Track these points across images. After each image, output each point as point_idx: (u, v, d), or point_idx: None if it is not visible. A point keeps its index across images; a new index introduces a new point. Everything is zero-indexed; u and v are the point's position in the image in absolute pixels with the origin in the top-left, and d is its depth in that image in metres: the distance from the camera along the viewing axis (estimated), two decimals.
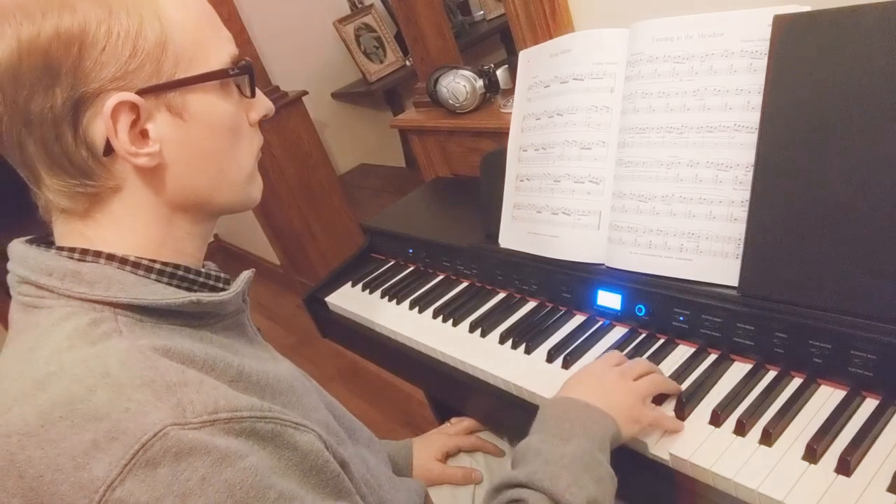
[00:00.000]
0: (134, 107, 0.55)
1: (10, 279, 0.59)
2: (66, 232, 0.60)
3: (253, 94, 0.64)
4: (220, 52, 0.60)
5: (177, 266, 0.61)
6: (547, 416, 0.73)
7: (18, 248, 0.59)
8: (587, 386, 0.76)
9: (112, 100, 0.53)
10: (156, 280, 0.60)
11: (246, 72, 0.62)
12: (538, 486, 0.64)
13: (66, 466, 0.47)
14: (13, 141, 0.55)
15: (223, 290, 0.65)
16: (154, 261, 0.60)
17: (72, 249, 0.58)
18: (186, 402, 0.49)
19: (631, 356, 0.87)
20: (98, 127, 0.54)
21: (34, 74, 0.52)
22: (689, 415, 0.77)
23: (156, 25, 0.55)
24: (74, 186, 0.56)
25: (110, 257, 0.58)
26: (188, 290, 0.62)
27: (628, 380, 0.76)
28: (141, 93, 0.55)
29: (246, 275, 0.67)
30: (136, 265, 0.59)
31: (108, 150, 0.55)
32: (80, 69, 0.52)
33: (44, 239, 0.62)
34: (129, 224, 0.59)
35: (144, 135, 0.56)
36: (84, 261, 0.57)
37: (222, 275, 0.67)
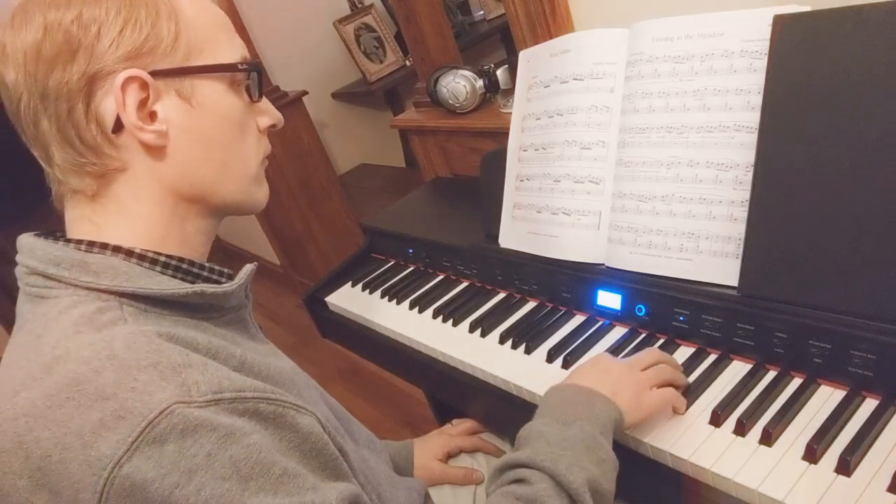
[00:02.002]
0: (144, 85, 0.58)
1: (19, 271, 0.61)
2: (76, 218, 0.62)
3: (260, 95, 0.67)
4: (231, 51, 0.64)
5: (181, 259, 0.63)
6: (551, 402, 0.74)
7: (27, 241, 0.61)
8: (593, 373, 0.77)
9: (123, 74, 0.57)
10: (160, 272, 0.61)
11: (254, 69, 0.65)
12: (540, 465, 0.65)
13: (74, 445, 0.48)
14: (30, 117, 0.59)
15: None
16: (159, 253, 0.61)
17: (79, 241, 0.60)
18: (191, 382, 0.51)
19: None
20: (109, 104, 0.58)
21: (55, 51, 0.56)
22: (688, 414, 0.77)
23: (172, 18, 0.59)
24: (83, 165, 0.59)
25: (117, 249, 0.60)
26: (192, 282, 0.63)
27: (635, 370, 0.76)
28: (152, 74, 0.58)
29: (248, 268, 0.69)
30: (141, 257, 0.60)
31: (117, 127, 0.58)
32: (97, 48, 0.56)
33: (51, 233, 0.64)
34: (134, 210, 0.61)
35: (153, 117, 0.59)
36: (91, 252, 0.59)
37: (225, 270, 0.68)
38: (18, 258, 0.60)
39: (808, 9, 0.74)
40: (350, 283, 1.34)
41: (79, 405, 0.49)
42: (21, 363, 0.54)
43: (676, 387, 0.78)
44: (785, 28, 0.75)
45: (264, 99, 0.69)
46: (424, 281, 1.24)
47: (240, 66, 0.63)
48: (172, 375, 0.50)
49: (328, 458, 0.58)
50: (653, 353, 0.81)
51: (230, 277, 0.68)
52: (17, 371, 0.54)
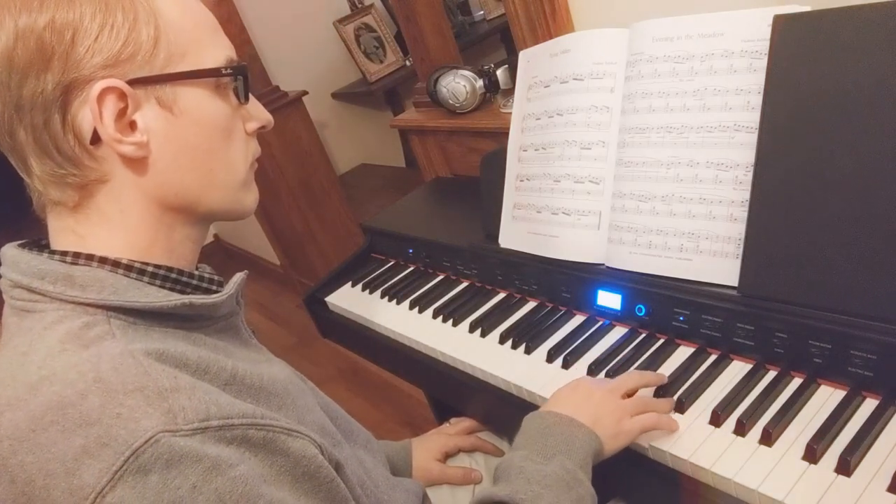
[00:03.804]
0: (122, 95, 0.55)
1: (3, 283, 0.59)
2: (59, 229, 0.60)
3: (247, 99, 0.64)
4: (215, 53, 0.61)
5: (170, 269, 0.61)
6: (531, 431, 0.74)
7: (10, 252, 0.59)
8: (574, 400, 0.76)
9: (99, 84, 0.54)
10: (148, 283, 0.59)
11: (239, 73, 0.62)
12: None
13: (57, 472, 0.47)
14: (4, 127, 0.56)
15: (216, 292, 0.64)
16: (147, 263, 0.60)
17: (64, 253, 0.58)
18: (178, 409, 0.49)
19: (631, 356, 0.88)
20: (86, 114, 0.55)
21: (27, 59, 0.53)
22: (688, 414, 0.77)
23: (151, 21, 0.56)
24: (62, 176, 0.56)
25: (103, 260, 0.58)
26: (181, 292, 0.62)
27: (616, 396, 0.76)
28: (131, 83, 0.55)
29: (239, 277, 0.67)
30: (128, 268, 0.58)
31: (95, 138, 0.56)
32: (71, 55, 0.53)
33: (36, 243, 0.62)
34: (118, 220, 0.59)
35: (133, 126, 0.57)
36: (76, 264, 0.57)
37: (216, 277, 0.67)
38: (2, 270, 0.58)
39: (808, 9, 0.74)
40: (350, 283, 1.34)
41: (63, 430, 0.48)
42: (7, 381, 0.53)
43: (660, 410, 0.78)
44: (785, 28, 0.75)
45: (253, 100, 0.65)
46: (424, 281, 1.24)
47: (224, 71, 0.60)
48: (159, 401, 0.49)
49: (321, 482, 0.57)
50: (634, 376, 0.80)
51: (220, 284, 0.67)
52: (2, 390, 0.52)
